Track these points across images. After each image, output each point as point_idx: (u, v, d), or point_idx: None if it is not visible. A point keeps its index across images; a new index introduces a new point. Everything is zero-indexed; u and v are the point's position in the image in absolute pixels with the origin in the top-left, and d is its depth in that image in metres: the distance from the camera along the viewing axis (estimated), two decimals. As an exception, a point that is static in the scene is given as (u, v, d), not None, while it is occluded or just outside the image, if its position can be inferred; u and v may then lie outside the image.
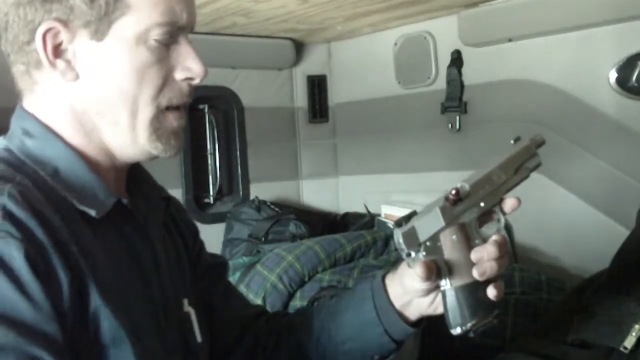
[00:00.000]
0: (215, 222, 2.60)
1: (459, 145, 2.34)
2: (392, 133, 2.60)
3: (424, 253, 0.92)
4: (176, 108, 0.89)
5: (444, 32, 2.31)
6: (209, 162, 2.66)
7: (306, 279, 1.98)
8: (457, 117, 2.32)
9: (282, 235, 2.45)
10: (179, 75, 0.88)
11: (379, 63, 2.58)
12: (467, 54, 2.28)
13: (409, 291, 0.97)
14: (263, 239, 2.45)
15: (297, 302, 1.95)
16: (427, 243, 0.92)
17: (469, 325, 0.91)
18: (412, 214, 0.94)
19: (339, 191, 2.91)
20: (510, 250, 2.17)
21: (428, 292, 0.96)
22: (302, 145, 2.88)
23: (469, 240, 0.93)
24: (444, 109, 2.34)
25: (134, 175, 0.98)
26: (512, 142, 0.98)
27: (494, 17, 2.13)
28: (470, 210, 0.94)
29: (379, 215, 2.52)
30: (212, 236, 2.55)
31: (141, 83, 0.85)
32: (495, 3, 2.11)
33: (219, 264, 1.15)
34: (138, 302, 0.86)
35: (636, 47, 1.81)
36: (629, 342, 1.21)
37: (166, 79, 0.87)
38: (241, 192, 2.69)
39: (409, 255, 0.92)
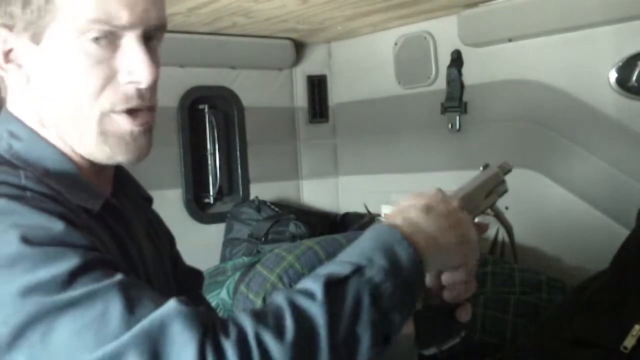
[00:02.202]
0: (215, 222, 2.60)
1: (459, 145, 2.35)
2: (392, 133, 2.60)
3: None
4: (128, 113, 0.86)
5: (444, 32, 2.32)
6: (209, 162, 2.66)
7: (306, 279, 1.98)
8: (457, 117, 2.32)
9: (282, 235, 2.45)
10: (122, 78, 0.85)
11: (379, 63, 2.58)
12: (467, 54, 2.28)
13: None
14: (263, 239, 2.45)
15: (297, 302, 1.95)
16: None
17: (439, 345, 0.95)
18: None
19: (339, 191, 2.91)
20: (510, 250, 2.17)
21: None
22: (302, 145, 2.88)
23: None
24: (444, 109, 2.34)
25: (118, 175, 0.99)
26: (481, 168, 1.02)
27: (494, 17, 2.13)
28: None
29: (379, 215, 2.52)
30: (212, 236, 2.56)
31: (78, 85, 0.84)
32: (495, 3, 2.11)
33: (195, 274, 1.15)
34: None
35: (636, 47, 1.81)
36: (629, 342, 1.21)
37: (107, 82, 0.84)
38: (241, 192, 2.69)
39: None
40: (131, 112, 0.86)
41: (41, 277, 0.69)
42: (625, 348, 1.21)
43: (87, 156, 0.89)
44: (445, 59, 2.33)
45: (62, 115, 0.86)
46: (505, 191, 1.01)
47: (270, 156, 2.78)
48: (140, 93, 0.86)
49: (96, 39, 0.83)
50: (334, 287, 0.73)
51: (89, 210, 0.84)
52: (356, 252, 0.78)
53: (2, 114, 0.90)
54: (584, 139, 1.98)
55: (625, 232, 1.54)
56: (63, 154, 0.87)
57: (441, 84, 2.35)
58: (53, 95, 0.85)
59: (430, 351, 0.95)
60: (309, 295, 0.72)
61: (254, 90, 2.71)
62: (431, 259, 0.82)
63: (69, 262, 0.70)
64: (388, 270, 0.75)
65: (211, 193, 2.66)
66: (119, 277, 0.71)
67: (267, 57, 2.68)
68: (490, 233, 2.12)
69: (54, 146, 0.87)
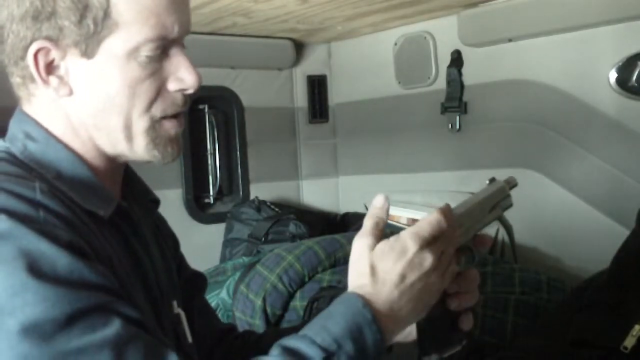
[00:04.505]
0: (215, 222, 2.60)
1: (459, 145, 2.35)
2: (392, 133, 2.60)
3: None
4: (173, 116, 0.90)
5: (444, 32, 2.32)
6: (209, 162, 2.66)
7: (306, 279, 1.99)
8: (457, 117, 2.32)
9: (282, 235, 2.45)
10: (172, 86, 0.88)
11: (379, 63, 2.58)
12: (467, 54, 2.28)
13: None
14: (263, 239, 2.45)
15: (297, 302, 1.96)
16: None
17: (440, 352, 0.96)
18: None
19: (339, 191, 2.91)
20: (510, 250, 2.17)
21: None
22: (302, 145, 2.88)
23: None
24: (444, 109, 2.34)
25: (127, 178, 0.99)
26: (487, 182, 1.04)
27: (494, 17, 2.13)
28: None
29: (379, 215, 2.52)
30: (212, 236, 2.56)
31: (133, 97, 0.85)
32: (495, 3, 2.11)
33: (199, 277, 1.16)
34: (141, 301, 0.87)
35: (636, 47, 1.81)
36: (629, 342, 1.21)
37: (159, 91, 0.87)
38: (241, 192, 2.69)
39: None
40: (175, 115, 0.89)
41: (39, 317, 0.70)
42: (625, 348, 1.21)
43: (123, 159, 0.91)
44: (445, 59, 2.33)
45: (110, 126, 0.86)
46: (510, 205, 1.04)
47: (270, 156, 2.78)
48: (185, 98, 0.89)
49: (151, 54, 0.84)
50: None
51: (101, 216, 0.84)
52: (327, 331, 0.79)
53: (17, 114, 0.91)
54: (584, 139, 1.98)
55: (625, 232, 1.54)
56: (78, 157, 0.88)
57: (441, 84, 2.35)
58: (101, 107, 0.86)
59: (432, 358, 0.97)
60: None
61: (254, 90, 2.71)
62: (394, 335, 0.86)
63: (68, 306, 0.71)
64: (354, 357, 0.78)
65: (211, 193, 2.66)
66: (116, 326, 0.72)
67: (267, 57, 2.68)
68: (491, 233, 2.12)
69: (68, 149, 0.87)
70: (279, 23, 2.35)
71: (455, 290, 0.96)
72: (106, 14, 0.81)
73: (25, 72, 0.85)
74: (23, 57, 0.84)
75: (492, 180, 1.04)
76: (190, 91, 0.89)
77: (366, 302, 0.81)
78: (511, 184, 1.04)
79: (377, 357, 0.81)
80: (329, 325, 0.80)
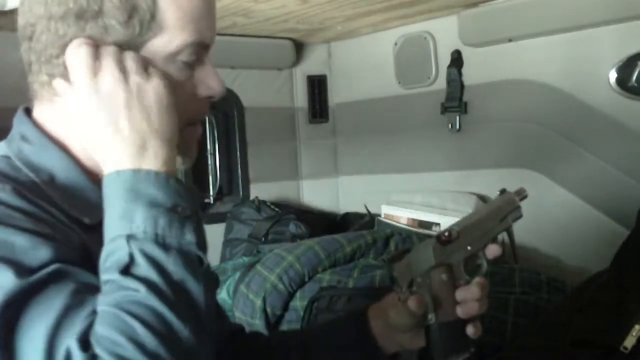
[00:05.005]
0: (215, 222, 2.60)
1: (459, 145, 2.35)
2: (392, 133, 2.60)
3: (414, 288, 0.99)
4: (194, 123, 0.91)
5: (444, 32, 2.31)
6: (209, 162, 2.66)
7: (306, 279, 1.98)
8: (457, 117, 2.32)
9: (282, 236, 2.45)
10: (201, 93, 0.89)
11: (379, 63, 2.58)
12: (467, 54, 2.28)
13: (392, 325, 1.04)
14: (263, 239, 2.45)
15: (297, 302, 1.95)
16: (419, 279, 0.99)
17: (449, 359, 0.98)
18: (406, 251, 1.03)
19: (339, 191, 2.91)
20: (510, 250, 2.17)
21: (410, 327, 1.02)
22: (302, 145, 2.88)
23: (455, 280, 1.00)
24: (444, 109, 2.34)
25: None
26: (498, 192, 1.07)
27: (494, 17, 2.13)
28: (458, 252, 1.01)
29: (379, 215, 2.52)
30: (212, 236, 2.53)
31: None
32: (495, 3, 2.11)
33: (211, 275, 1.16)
34: None
35: (636, 47, 1.81)
36: (629, 342, 1.21)
37: (191, 97, 0.88)
38: (241, 192, 2.69)
39: (400, 289, 0.99)
40: (195, 122, 0.91)
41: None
42: (625, 348, 1.21)
43: None
44: (445, 59, 2.33)
45: None
46: (520, 216, 1.07)
47: (270, 156, 2.77)
48: (210, 105, 0.91)
49: (188, 59, 0.85)
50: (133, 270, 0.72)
51: (86, 223, 0.84)
52: (124, 218, 0.75)
53: (18, 116, 0.90)
54: (584, 139, 1.98)
55: (625, 232, 1.54)
56: (73, 161, 0.87)
57: (441, 84, 2.35)
58: None
59: None
60: (131, 290, 0.71)
61: (254, 90, 2.71)
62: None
63: (24, 283, 0.70)
64: (148, 215, 0.75)
65: (211, 193, 2.66)
66: (66, 293, 0.71)
67: (267, 57, 2.68)
68: (490, 233, 2.12)
69: (69, 153, 0.87)
70: (279, 23, 2.35)
71: (464, 298, 0.98)
72: (152, 16, 0.82)
73: (57, 71, 0.84)
74: (59, 55, 0.83)
75: (503, 191, 1.07)
76: (217, 98, 0.90)
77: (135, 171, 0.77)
78: (521, 194, 1.06)
79: (174, 190, 0.78)
80: (115, 209, 0.76)
